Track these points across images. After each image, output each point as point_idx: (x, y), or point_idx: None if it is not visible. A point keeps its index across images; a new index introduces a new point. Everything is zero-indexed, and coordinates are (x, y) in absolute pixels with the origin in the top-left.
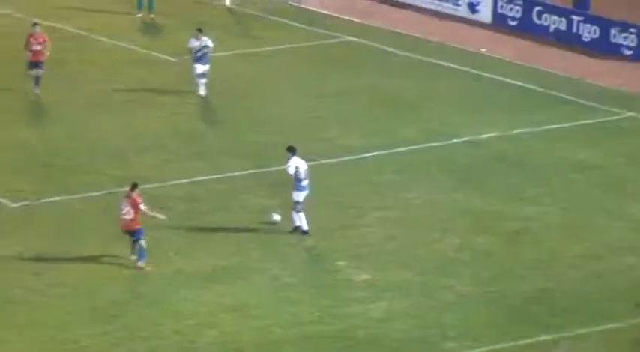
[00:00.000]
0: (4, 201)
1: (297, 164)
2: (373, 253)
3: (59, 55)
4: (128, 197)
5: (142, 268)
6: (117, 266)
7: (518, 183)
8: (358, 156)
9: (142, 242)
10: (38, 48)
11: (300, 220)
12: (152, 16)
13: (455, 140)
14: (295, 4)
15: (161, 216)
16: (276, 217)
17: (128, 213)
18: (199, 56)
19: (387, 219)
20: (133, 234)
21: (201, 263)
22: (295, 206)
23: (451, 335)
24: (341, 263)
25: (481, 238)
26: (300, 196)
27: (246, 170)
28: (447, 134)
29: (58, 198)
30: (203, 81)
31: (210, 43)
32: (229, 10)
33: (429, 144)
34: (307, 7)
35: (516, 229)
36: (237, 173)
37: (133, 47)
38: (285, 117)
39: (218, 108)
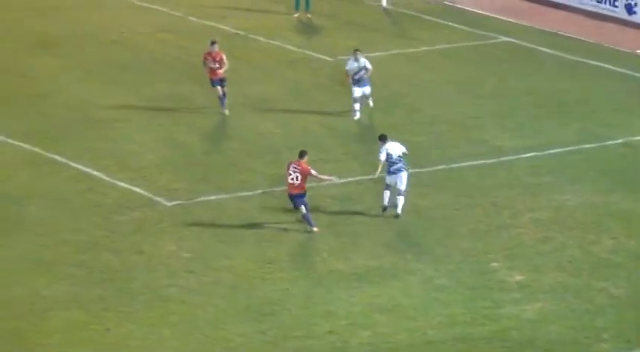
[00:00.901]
0: (160, 199)
1: (388, 150)
2: (527, 254)
3: None
4: (297, 164)
5: (313, 230)
6: (271, 265)
7: None
8: (513, 157)
9: (303, 208)
10: (216, 65)
11: (386, 198)
12: (309, 15)
13: (610, 142)
14: (450, 4)
15: (331, 178)
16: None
17: (296, 179)
18: (358, 78)
19: (541, 220)
20: (298, 198)
21: (354, 263)
22: (385, 186)
23: (604, 337)
24: (495, 264)
25: (635, 240)
26: (390, 180)
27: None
28: (602, 135)
29: (213, 197)
30: (358, 106)
31: (369, 65)
32: (385, 10)
33: (583, 146)
34: (463, 7)
35: None
36: None
37: (289, 47)
38: (440, 117)
39: (374, 108)
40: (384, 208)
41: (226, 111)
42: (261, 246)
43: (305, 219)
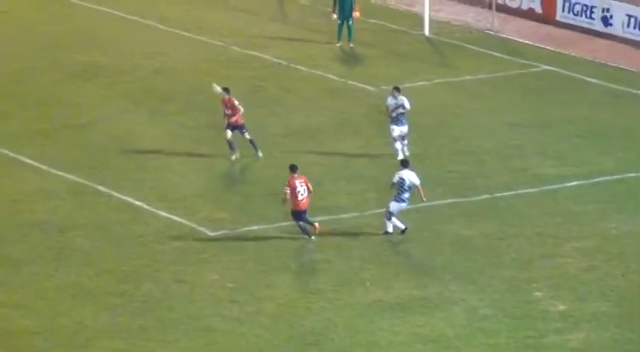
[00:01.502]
0: (203, 229)
1: (403, 176)
2: (571, 283)
3: (258, 83)
4: (301, 179)
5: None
6: (314, 295)
7: None
8: (556, 186)
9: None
10: (228, 112)
11: (393, 226)
12: (351, 45)
13: None
14: (493, 33)
15: None
16: (217, 88)
17: (305, 192)
18: (395, 116)
19: (585, 249)
20: (305, 214)
21: (397, 292)
22: (388, 215)
23: None
24: (538, 293)
25: None
26: (396, 207)
27: (444, 199)
28: None
29: (255, 227)
30: (401, 145)
31: (407, 104)
32: (428, 39)
33: (627, 175)
34: (505, 36)
35: None
36: (434, 202)
37: (331, 76)
38: (483, 146)
39: (417, 137)
40: (405, 229)
41: (261, 154)
42: (304, 276)
43: (302, 229)
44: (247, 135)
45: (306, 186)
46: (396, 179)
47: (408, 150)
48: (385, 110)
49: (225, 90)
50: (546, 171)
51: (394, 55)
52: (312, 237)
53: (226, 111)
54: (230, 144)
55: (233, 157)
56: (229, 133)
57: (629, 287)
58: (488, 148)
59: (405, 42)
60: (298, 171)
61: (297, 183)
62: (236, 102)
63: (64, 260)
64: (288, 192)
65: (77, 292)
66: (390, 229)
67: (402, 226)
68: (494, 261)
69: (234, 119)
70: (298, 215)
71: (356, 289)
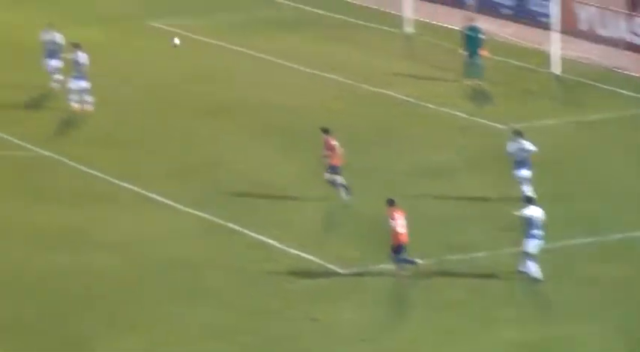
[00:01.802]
0: (334, 267)
1: (532, 212)
2: None
3: (386, 122)
4: (398, 212)
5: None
6: (447, 334)
7: None
8: None
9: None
10: (326, 153)
11: (533, 269)
12: (480, 82)
13: None
14: (621, 71)
15: None
16: (176, 41)
17: (405, 227)
18: (519, 161)
19: None
20: (405, 248)
21: (532, 333)
22: (526, 256)
23: None
24: None
25: None
26: (531, 246)
27: (576, 239)
28: None
29: (386, 265)
30: (526, 188)
31: (530, 146)
32: (556, 77)
33: None
34: (634, 74)
35: None
36: (567, 242)
37: (459, 114)
38: (614, 185)
39: (547, 176)
40: (538, 280)
41: (345, 196)
42: (438, 315)
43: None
44: (328, 176)
45: (404, 220)
46: (526, 215)
47: (535, 190)
48: (509, 156)
49: (325, 131)
50: None
51: (522, 93)
52: (419, 261)
53: (325, 152)
54: (342, 186)
55: (346, 197)
56: (337, 177)
57: None
58: (619, 188)
59: (533, 80)
60: (397, 205)
61: (398, 216)
62: (333, 143)
63: (197, 297)
64: (394, 224)
65: (208, 329)
66: (528, 270)
67: (538, 276)
68: (629, 302)
69: (328, 160)
70: (399, 249)
71: (491, 329)
